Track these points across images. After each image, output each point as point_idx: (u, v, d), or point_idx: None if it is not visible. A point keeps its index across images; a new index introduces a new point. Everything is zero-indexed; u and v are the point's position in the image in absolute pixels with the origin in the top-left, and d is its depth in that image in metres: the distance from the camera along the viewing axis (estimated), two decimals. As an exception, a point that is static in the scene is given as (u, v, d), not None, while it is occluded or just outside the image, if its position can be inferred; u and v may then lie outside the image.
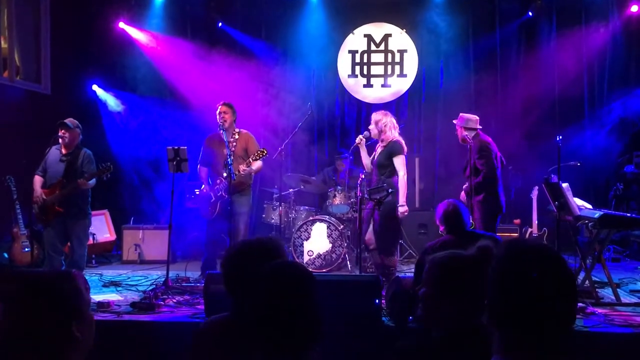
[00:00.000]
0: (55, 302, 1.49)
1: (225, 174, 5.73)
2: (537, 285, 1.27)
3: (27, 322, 1.46)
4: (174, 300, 5.03)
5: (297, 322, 1.54)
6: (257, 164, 5.87)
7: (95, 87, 8.38)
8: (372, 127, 5.74)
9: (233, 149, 5.90)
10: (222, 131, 5.81)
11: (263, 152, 5.77)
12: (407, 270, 6.70)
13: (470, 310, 1.87)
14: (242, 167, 5.72)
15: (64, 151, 5.64)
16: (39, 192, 5.54)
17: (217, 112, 5.99)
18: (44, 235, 5.69)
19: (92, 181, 5.59)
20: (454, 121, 6.00)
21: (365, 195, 5.46)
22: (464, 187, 5.87)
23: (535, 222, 7.32)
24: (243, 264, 2.11)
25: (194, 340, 2.20)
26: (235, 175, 5.67)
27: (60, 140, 5.59)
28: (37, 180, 5.62)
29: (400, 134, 5.76)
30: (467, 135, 5.78)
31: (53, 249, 5.58)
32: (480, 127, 5.90)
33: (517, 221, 7.62)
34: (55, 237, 5.58)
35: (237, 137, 6.00)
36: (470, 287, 1.87)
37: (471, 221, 5.24)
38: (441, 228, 4.08)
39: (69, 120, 5.64)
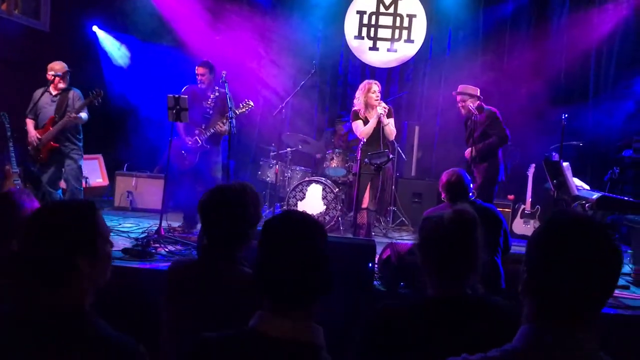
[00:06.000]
0: (65, 232, 1.52)
1: (203, 126, 5.89)
2: (580, 256, 1.25)
3: (36, 247, 1.51)
4: (167, 250, 5.01)
5: (309, 273, 1.51)
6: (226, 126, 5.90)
7: (95, 29, 8.17)
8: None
9: (212, 103, 5.97)
10: (224, 84, 5.71)
11: (249, 104, 5.82)
12: (398, 237, 6.73)
13: (449, 276, 1.87)
14: (220, 125, 5.80)
15: (53, 92, 5.83)
16: (34, 133, 5.74)
17: (195, 72, 6.00)
18: (42, 175, 5.80)
19: (85, 117, 5.83)
20: (454, 93, 6.01)
21: (366, 160, 5.43)
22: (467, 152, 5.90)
23: (529, 199, 7.35)
24: (218, 208, 2.21)
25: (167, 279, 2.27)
26: (214, 130, 5.81)
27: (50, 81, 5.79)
28: (30, 122, 5.84)
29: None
30: (471, 107, 5.76)
31: (51, 185, 5.80)
32: (481, 97, 5.92)
33: (511, 197, 7.63)
34: (53, 174, 5.81)
35: (217, 94, 5.98)
36: (447, 253, 1.87)
37: (473, 191, 5.24)
38: (443, 195, 4.07)
39: (57, 64, 5.81)
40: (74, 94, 5.86)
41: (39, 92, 5.87)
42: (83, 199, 2.13)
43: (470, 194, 4.03)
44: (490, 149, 5.80)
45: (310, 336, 1.51)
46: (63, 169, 5.91)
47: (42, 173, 5.80)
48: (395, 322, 1.83)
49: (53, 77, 5.76)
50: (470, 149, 5.75)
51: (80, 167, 5.97)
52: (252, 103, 5.84)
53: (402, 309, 1.88)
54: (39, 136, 5.70)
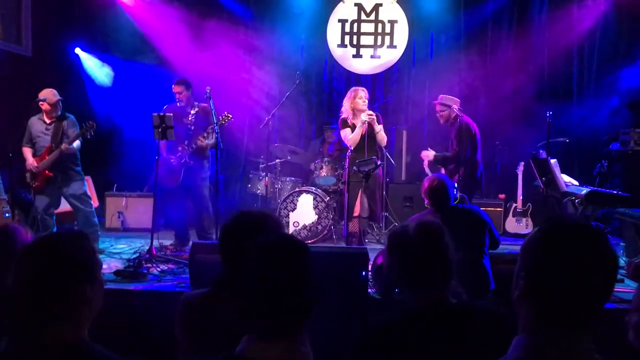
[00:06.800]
0: (69, 262, 1.52)
1: (186, 143, 5.89)
2: (577, 260, 1.25)
3: (40, 281, 1.49)
4: (159, 269, 4.99)
5: (295, 296, 1.49)
6: (210, 139, 5.85)
7: (77, 51, 8.16)
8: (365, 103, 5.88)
9: (193, 119, 5.97)
10: (209, 99, 5.70)
11: (228, 116, 5.79)
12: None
13: (426, 286, 1.88)
14: (200, 139, 5.81)
15: (47, 120, 5.81)
16: (31, 161, 5.74)
17: (173, 90, 6.02)
18: (35, 202, 5.77)
19: (78, 144, 5.80)
20: (434, 102, 6.06)
21: (354, 168, 5.44)
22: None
23: (520, 197, 7.38)
24: (240, 235, 2.08)
25: (177, 314, 2.16)
26: (195, 145, 5.81)
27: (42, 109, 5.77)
28: (27, 150, 5.82)
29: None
30: (456, 110, 5.80)
31: (46, 212, 5.76)
32: (461, 109, 5.95)
33: (502, 196, 7.66)
34: (48, 202, 5.78)
35: (197, 109, 6.01)
36: (414, 264, 1.88)
37: (456, 194, 5.27)
38: (426, 201, 4.08)
39: (50, 93, 5.76)
40: (68, 121, 5.85)
41: (32, 120, 5.86)
42: (71, 229, 2.11)
43: (452, 198, 4.03)
44: (444, 160, 5.90)
45: None
46: (61, 197, 5.91)
47: (38, 200, 5.75)
48: (382, 340, 1.82)
49: (47, 107, 5.72)
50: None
51: (85, 192, 5.95)
52: (230, 115, 5.80)
53: (386, 325, 1.87)
54: (36, 164, 5.70)
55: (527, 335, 1.29)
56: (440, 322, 1.80)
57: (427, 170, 6.04)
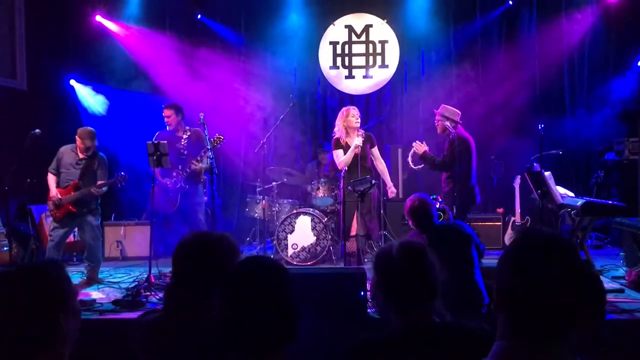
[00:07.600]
0: (42, 291, 1.47)
1: (180, 167, 5.90)
2: (543, 272, 1.26)
3: (11, 311, 1.44)
4: (157, 297, 4.96)
5: (272, 320, 1.47)
6: (204, 163, 5.87)
7: (72, 82, 8.22)
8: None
9: (185, 143, 5.99)
10: (203, 125, 5.73)
11: (220, 138, 5.78)
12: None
13: (411, 307, 1.89)
14: (194, 163, 5.81)
15: (80, 155, 5.88)
16: (55, 192, 5.79)
17: (163, 115, 6.07)
18: (51, 232, 5.83)
19: (105, 189, 5.92)
20: (435, 110, 6.07)
21: (349, 188, 5.45)
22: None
23: (518, 210, 7.36)
24: (195, 258, 2.06)
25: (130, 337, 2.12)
26: (189, 169, 5.82)
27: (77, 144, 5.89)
28: (52, 179, 5.88)
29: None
30: (448, 125, 5.82)
31: (56, 247, 5.76)
32: (461, 122, 5.97)
33: (500, 210, 7.66)
34: (63, 234, 5.81)
35: (189, 134, 6.03)
36: (399, 284, 1.89)
37: (439, 213, 5.24)
38: (410, 222, 4.07)
39: (87, 134, 5.85)
40: (99, 160, 5.95)
41: (64, 149, 5.91)
42: (47, 259, 2.05)
43: (436, 216, 4.02)
44: (433, 164, 5.89)
45: None
46: (75, 231, 6.07)
47: (55, 231, 5.78)
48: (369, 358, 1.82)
49: (81, 145, 5.80)
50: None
51: (98, 227, 6.00)
52: (222, 137, 5.80)
53: (373, 344, 1.87)
54: (60, 197, 5.73)
55: (503, 343, 1.31)
56: (425, 342, 1.80)
57: (409, 160, 6.05)
